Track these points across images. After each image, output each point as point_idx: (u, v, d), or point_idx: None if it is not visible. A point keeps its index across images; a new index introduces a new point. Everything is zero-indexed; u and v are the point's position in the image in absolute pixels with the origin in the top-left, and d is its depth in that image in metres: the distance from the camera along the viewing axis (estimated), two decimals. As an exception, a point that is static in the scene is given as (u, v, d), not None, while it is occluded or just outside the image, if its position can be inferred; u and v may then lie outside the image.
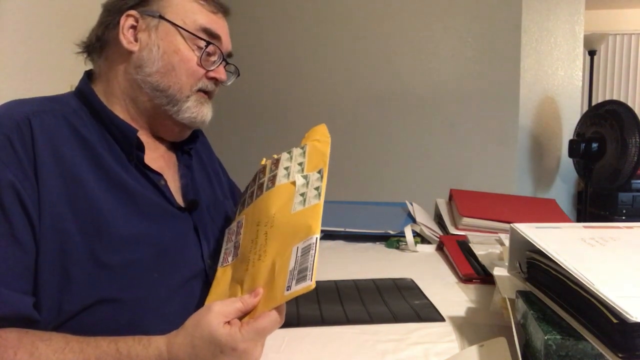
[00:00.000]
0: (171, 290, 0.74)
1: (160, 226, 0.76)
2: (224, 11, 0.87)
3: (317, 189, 0.69)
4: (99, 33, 0.82)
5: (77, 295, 0.67)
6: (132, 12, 0.80)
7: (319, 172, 0.72)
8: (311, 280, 0.56)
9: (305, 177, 0.73)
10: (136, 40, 0.80)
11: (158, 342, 0.61)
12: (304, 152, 0.80)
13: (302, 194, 0.70)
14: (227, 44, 0.87)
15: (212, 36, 0.83)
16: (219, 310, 0.60)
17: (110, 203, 0.71)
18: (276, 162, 0.81)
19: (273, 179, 0.78)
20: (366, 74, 2.31)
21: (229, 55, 0.89)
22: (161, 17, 0.80)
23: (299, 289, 0.57)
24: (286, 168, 0.78)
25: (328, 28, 2.34)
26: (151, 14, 0.80)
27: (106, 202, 0.71)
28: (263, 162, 0.87)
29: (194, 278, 0.78)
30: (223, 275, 0.73)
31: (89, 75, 0.83)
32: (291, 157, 0.80)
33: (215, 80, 0.85)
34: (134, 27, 0.80)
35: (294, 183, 0.73)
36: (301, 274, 0.58)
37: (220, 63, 0.85)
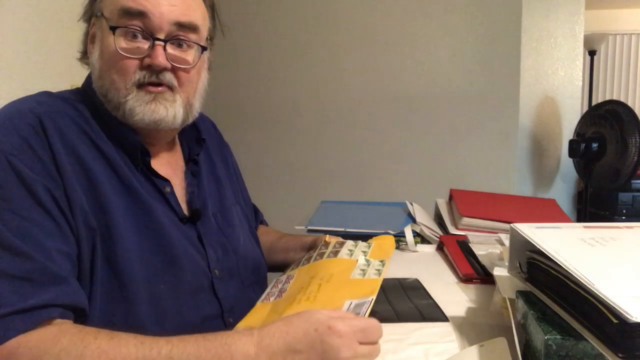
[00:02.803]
0: (179, 304, 0.72)
1: (165, 235, 0.74)
2: None
3: (378, 270, 0.74)
4: (84, 48, 0.79)
5: (98, 297, 0.66)
6: (93, 19, 0.75)
7: (381, 261, 0.77)
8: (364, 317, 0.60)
9: (367, 260, 0.78)
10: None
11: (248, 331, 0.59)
12: (369, 246, 0.84)
13: (363, 270, 0.74)
14: (163, 14, 0.70)
15: (131, 15, 0.70)
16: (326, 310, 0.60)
17: (119, 204, 0.70)
18: (341, 243, 0.85)
19: (335, 253, 0.82)
20: (366, 74, 2.31)
21: (182, 25, 0.73)
22: (102, 15, 0.73)
23: None
24: (350, 250, 0.82)
25: (328, 28, 2.34)
26: (97, 15, 0.74)
27: (116, 202, 0.70)
28: (327, 239, 0.91)
29: (200, 290, 0.76)
30: (262, 308, 0.74)
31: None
32: (356, 245, 0.84)
33: (152, 68, 0.71)
34: (94, 35, 0.76)
35: (356, 260, 0.77)
36: (354, 312, 0.61)
37: (154, 46, 0.71)
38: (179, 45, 0.75)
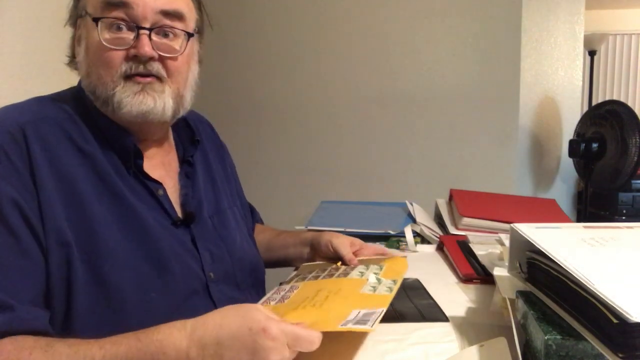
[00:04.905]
0: (172, 310, 0.71)
1: (155, 240, 0.72)
2: None
3: (389, 287, 0.73)
4: (72, 51, 0.77)
5: (77, 314, 0.65)
6: (79, 20, 0.74)
7: (394, 281, 0.76)
8: (371, 326, 0.57)
9: (378, 279, 0.77)
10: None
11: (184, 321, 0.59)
12: (381, 268, 0.84)
13: (373, 287, 0.74)
14: (146, 4, 0.69)
15: (114, 6, 0.69)
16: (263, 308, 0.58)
17: (105, 213, 0.69)
18: (352, 268, 0.86)
19: (346, 274, 0.82)
20: (366, 73, 2.31)
21: (167, 13, 0.72)
22: (86, 13, 0.71)
23: (356, 328, 0.57)
24: (361, 272, 0.82)
25: (328, 28, 2.34)
26: (82, 14, 0.73)
27: (101, 212, 0.68)
28: (339, 264, 0.91)
29: (195, 294, 0.75)
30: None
31: None
32: (367, 267, 0.85)
33: (138, 58, 0.70)
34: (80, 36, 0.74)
35: (366, 279, 0.77)
36: (362, 320, 0.59)
37: (139, 36, 0.69)
38: (165, 35, 0.73)
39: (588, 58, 3.44)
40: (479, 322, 0.76)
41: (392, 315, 0.77)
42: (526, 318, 0.60)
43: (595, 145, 2.34)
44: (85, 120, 0.73)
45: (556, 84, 2.52)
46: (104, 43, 0.69)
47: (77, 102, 0.75)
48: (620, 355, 0.46)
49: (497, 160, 2.22)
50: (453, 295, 0.88)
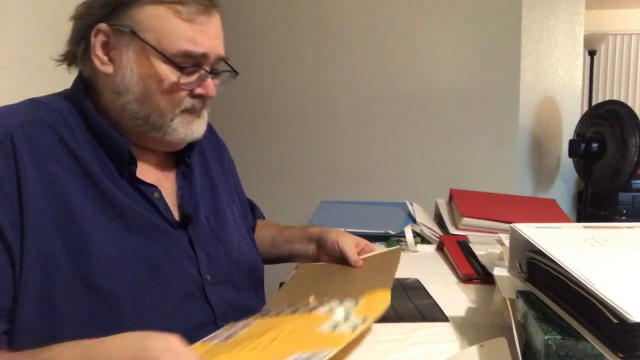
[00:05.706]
0: (167, 313, 0.70)
1: (150, 244, 0.71)
2: (208, 6, 0.73)
3: (354, 326, 0.64)
4: (72, 50, 0.75)
5: (64, 321, 0.64)
6: (102, 25, 0.71)
7: (364, 319, 0.67)
8: None
9: (347, 314, 0.69)
10: (110, 60, 0.72)
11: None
12: (356, 303, 0.74)
13: (334, 325, 0.66)
14: (215, 49, 0.75)
15: (194, 56, 0.73)
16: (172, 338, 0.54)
17: (97, 219, 0.68)
18: (322, 302, 0.77)
19: (311, 310, 0.74)
20: (366, 74, 2.31)
21: (223, 58, 0.79)
22: (133, 33, 0.70)
23: None
24: (330, 309, 0.73)
25: (328, 28, 2.34)
26: (121, 29, 0.71)
27: (92, 218, 0.68)
28: (311, 299, 0.80)
29: (190, 296, 0.74)
30: (199, 349, 0.65)
31: (82, 78, 0.76)
32: (341, 302, 0.75)
33: (203, 97, 0.77)
34: (106, 44, 0.72)
35: (332, 313, 0.70)
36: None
37: (207, 78, 0.75)
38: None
39: (588, 58, 3.44)
40: (479, 322, 0.76)
41: (392, 315, 0.77)
42: (526, 318, 0.60)
43: (595, 145, 2.33)
44: (79, 125, 0.72)
45: (556, 84, 2.51)
46: (183, 87, 0.73)
47: (72, 106, 0.74)
48: (620, 355, 0.46)
49: (497, 160, 2.22)
50: (453, 295, 0.88)
